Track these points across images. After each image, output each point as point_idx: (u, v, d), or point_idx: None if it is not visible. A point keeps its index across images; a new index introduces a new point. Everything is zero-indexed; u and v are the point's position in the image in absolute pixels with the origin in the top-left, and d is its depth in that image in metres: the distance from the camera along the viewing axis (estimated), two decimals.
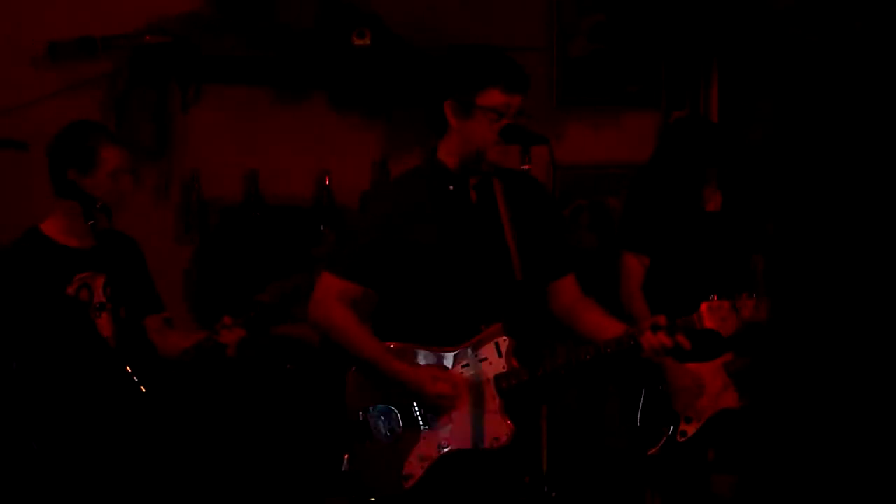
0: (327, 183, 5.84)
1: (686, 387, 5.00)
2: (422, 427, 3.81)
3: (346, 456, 3.85)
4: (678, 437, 5.03)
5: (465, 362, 3.83)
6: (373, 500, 3.80)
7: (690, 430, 5.02)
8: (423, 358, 3.83)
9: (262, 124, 5.84)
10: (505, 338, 3.83)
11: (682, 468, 5.09)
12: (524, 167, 3.63)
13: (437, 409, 3.79)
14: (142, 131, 5.73)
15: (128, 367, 4.15)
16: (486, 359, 3.83)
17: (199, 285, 5.77)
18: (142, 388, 4.14)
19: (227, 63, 5.72)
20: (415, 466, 3.79)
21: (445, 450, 3.80)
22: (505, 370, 3.80)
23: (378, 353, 3.82)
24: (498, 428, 3.78)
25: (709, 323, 3.87)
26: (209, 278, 5.73)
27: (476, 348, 3.83)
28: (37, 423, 4.04)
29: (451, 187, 3.86)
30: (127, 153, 4.35)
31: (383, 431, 3.82)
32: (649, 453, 5.07)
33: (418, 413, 3.81)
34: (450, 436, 3.80)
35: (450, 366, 3.83)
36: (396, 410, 3.83)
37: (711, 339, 3.96)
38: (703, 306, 3.87)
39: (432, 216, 3.84)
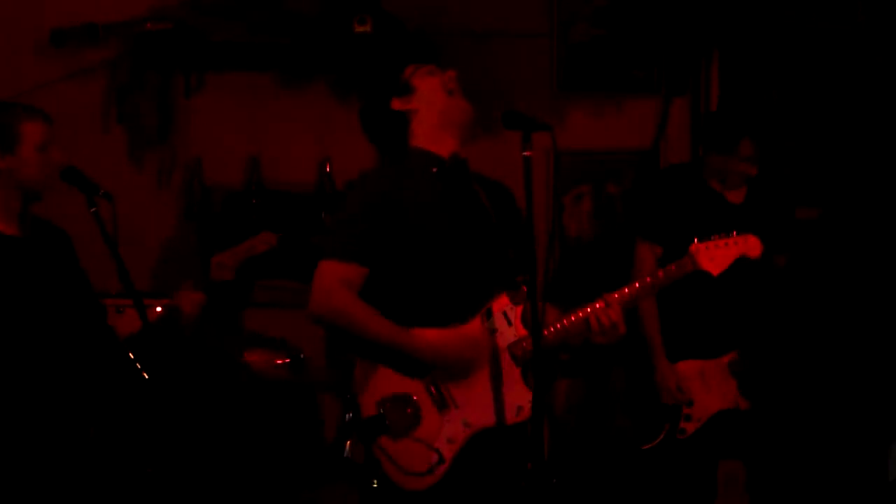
0: (328, 169, 5.85)
1: (668, 388, 5.00)
2: (442, 408, 3.78)
3: (349, 442, 3.83)
4: (678, 435, 5.03)
5: (474, 335, 3.81)
6: (375, 483, 3.79)
7: (690, 428, 5.01)
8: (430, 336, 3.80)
9: (264, 111, 5.85)
10: (512, 306, 3.84)
11: (681, 466, 5.09)
12: (525, 154, 3.64)
13: (466, 373, 3.77)
14: (144, 117, 5.74)
15: (130, 354, 4.13)
16: (496, 330, 3.83)
17: (202, 270, 5.78)
18: (144, 374, 4.13)
19: (229, 49, 5.72)
20: (445, 450, 3.75)
21: (471, 428, 3.76)
22: (517, 338, 3.82)
23: (398, 333, 3.76)
24: (520, 397, 3.77)
25: (703, 264, 3.94)
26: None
27: (485, 321, 3.83)
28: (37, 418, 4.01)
29: (434, 169, 3.90)
30: (48, 125, 4.09)
31: (403, 421, 3.75)
32: (643, 448, 5.08)
33: (437, 394, 3.78)
34: (473, 412, 3.78)
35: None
36: (414, 396, 3.78)
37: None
38: (693, 248, 3.92)
39: (421, 197, 3.86)
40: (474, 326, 3.81)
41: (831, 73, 5.97)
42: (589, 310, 3.84)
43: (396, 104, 3.95)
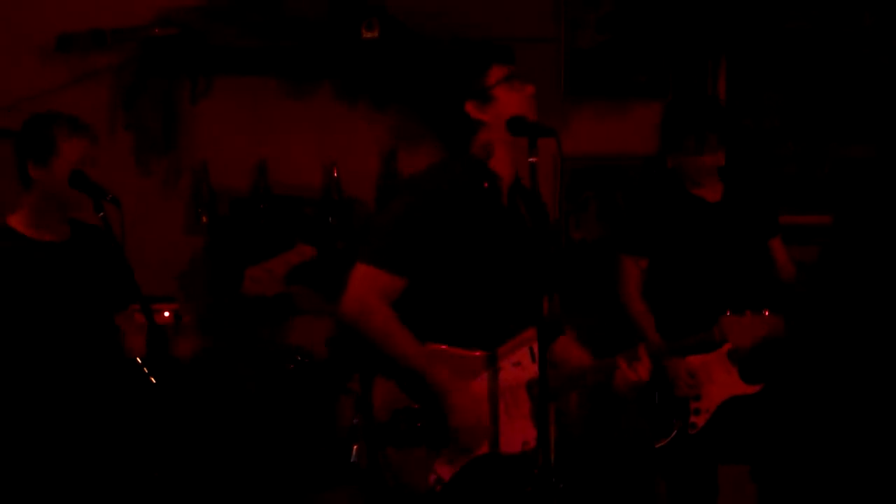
0: (335, 174, 5.85)
1: (681, 378, 5.02)
2: (451, 436, 3.73)
3: (355, 447, 3.83)
4: (689, 430, 5.05)
5: (497, 366, 3.78)
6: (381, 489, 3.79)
7: (700, 421, 5.05)
8: (457, 361, 3.75)
9: (271, 116, 5.85)
10: (544, 338, 3.76)
11: (691, 459, 5.11)
12: (531, 159, 3.64)
13: (464, 442, 3.74)
14: (151, 123, 5.75)
15: (139, 360, 4.14)
16: (519, 363, 3.80)
17: (209, 276, 5.78)
18: (152, 378, 4.14)
19: (236, 54, 5.72)
20: (445, 470, 3.74)
21: (473, 454, 3.76)
22: (538, 376, 3.71)
23: (426, 363, 3.70)
24: (528, 432, 3.76)
25: (731, 338, 3.92)
26: (219, 269, 5.75)
27: (511, 352, 3.80)
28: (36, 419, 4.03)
29: (486, 184, 3.81)
30: (88, 144, 4.20)
31: (412, 434, 3.73)
32: (657, 446, 5.10)
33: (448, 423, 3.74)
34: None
35: (480, 370, 3.78)
36: (426, 412, 3.75)
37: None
38: (723, 320, 3.90)
39: (469, 211, 3.76)
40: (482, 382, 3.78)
41: (838, 77, 5.97)
42: (617, 361, 3.80)
43: (472, 110, 3.82)
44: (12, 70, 5.50)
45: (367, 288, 3.70)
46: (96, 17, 5.58)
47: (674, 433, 5.08)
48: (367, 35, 5.66)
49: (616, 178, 6.22)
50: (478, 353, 3.78)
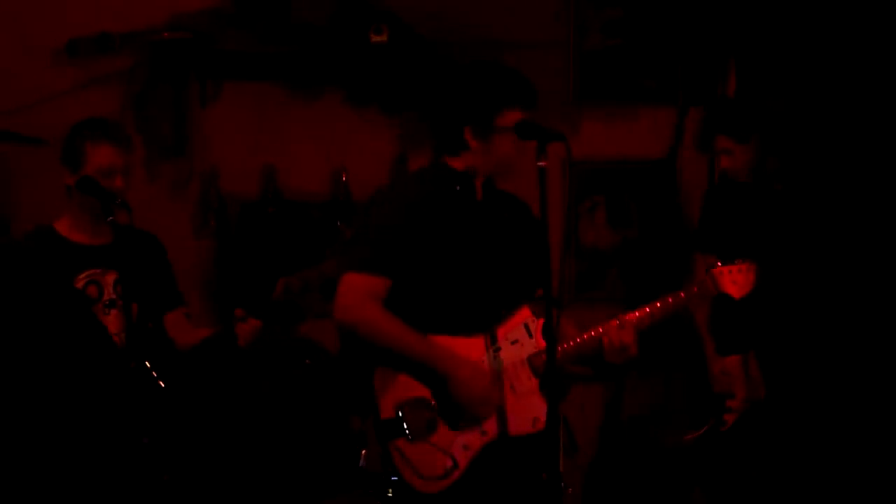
0: (344, 179, 5.85)
1: (726, 375, 5.06)
2: (460, 415, 3.79)
3: (364, 452, 3.85)
4: (720, 427, 5.08)
5: (496, 346, 3.86)
6: (390, 494, 3.80)
7: (730, 419, 5.08)
8: (457, 347, 3.83)
9: (280, 120, 5.86)
10: (533, 318, 3.89)
11: (724, 460, 5.14)
12: (540, 164, 3.65)
13: (473, 413, 3.80)
14: (160, 127, 5.76)
15: (147, 363, 4.16)
16: (517, 341, 3.89)
17: (219, 280, 5.79)
18: (160, 383, 4.15)
19: (245, 59, 5.73)
20: (460, 456, 3.78)
21: (487, 436, 3.79)
22: (537, 350, 3.84)
23: (425, 347, 3.80)
24: (537, 408, 3.80)
25: (726, 287, 3.99)
26: (228, 273, 5.75)
27: (506, 332, 3.87)
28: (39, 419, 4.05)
29: (458, 187, 3.94)
30: (120, 152, 4.27)
31: (421, 424, 3.78)
32: (685, 438, 5.12)
33: (457, 401, 3.79)
34: (489, 421, 3.81)
35: (481, 352, 3.85)
36: (432, 401, 3.81)
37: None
38: (715, 270, 3.95)
39: (444, 211, 3.90)
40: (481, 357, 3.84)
41: (848, 79, 5.95)
42: (601, 329, 3.86)
43: (468, 134, 3.93)
44: (22, 74, 5.51)
45: (354, 291, 3.82)
46: (106, 22, 5.60)
47: (705, 428, 5.10)
48: (376, 39, 5.67)
49: (626, 182, 6.22)
50: (475, 338, 3.86)
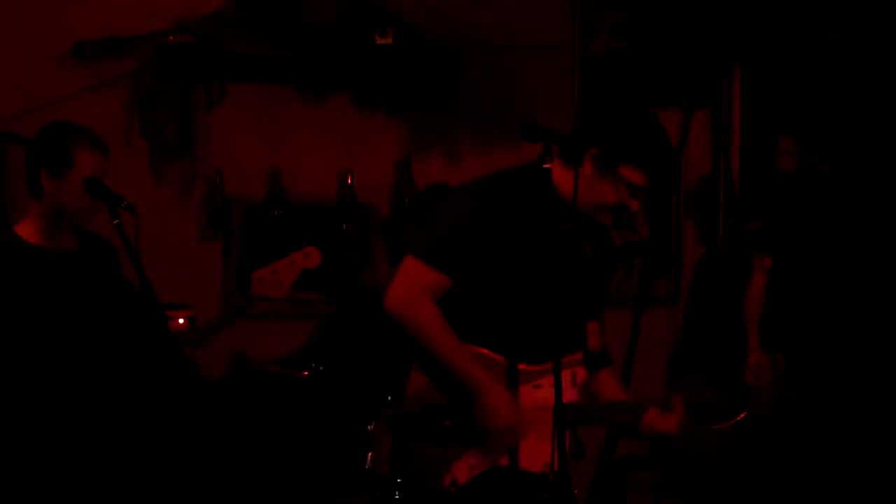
0: (350, 182, 5.85)
1: (758, 363, 5.13)
2: (480, 439, 3.72)
3: (370, 454, 3.83)
4: (748, 420, 5.09)
5: (538, 382, 3.76)
6: (396, 496, 3.79)
7: (756, 414, 5.09)
8: (499, 370, 3.74)
9: (285, 123, 5.85)
10: (582, 369, 3.82)
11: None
12: (545, 166, 3.64)
13: (493, 443, 3.72)
14: (165, 130, 5.75)
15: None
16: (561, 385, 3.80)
17: (224, 284, 5.79)
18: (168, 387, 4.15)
19: (250, 62, 5.73)
20: (463, 473, 3.72)
21: (496, 463, 3.75)
22: (574, 402, 3.76)
23: (466, 363, 3.69)
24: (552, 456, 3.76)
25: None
26: (234, 277, 5.75)
27: (551, 373, 3.69)
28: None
29: (567, 227, 3.71)
30: (105, 160, 4.17)
31: (439, 431, 3.71)
32: (714, 428, 5.11)
33: (478, 426, 3.73)
34: (505, 454, 3.76)
35: (521, 382, 3.77)
36: (457, 414, 3.73)
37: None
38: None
39: (533, 231, 3.75)
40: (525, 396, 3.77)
41: (853, 81, 5.96)
42: (646, 415, 3.80)
43: (588, 158, 3.71)
44: (28, 77, 5.51)
45: (416, 283, 3.69)
46: (111, 25, 5.59)
47: (736, 419, 5.10)
48: (381, 41, 5.67)
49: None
50: (522, 366, 3.77)
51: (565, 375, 3.73)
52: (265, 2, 5.69)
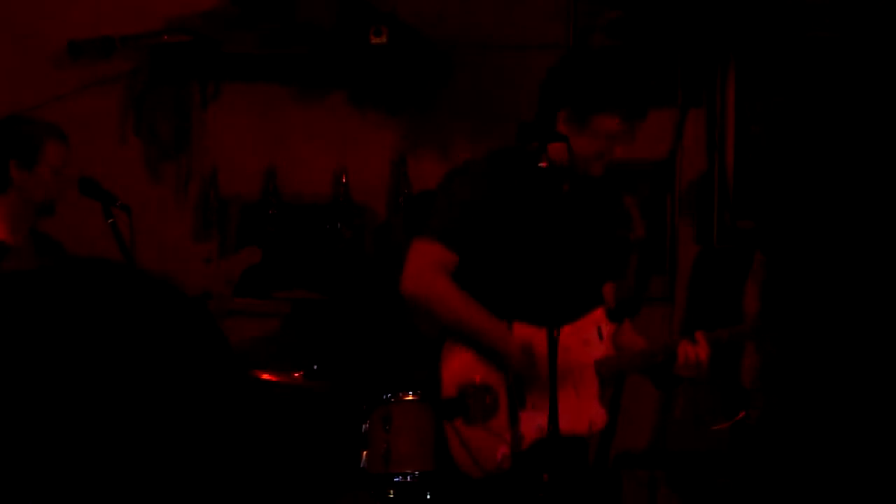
0: (345, 180, 5.85)
1: (754, 364, 5.12)
2: (520, 406, 3.76)
3: (365, 453, 3.84)
4: (747, 420, 5.09)
5: (565, 345, 3.75)
6: (391, 495, 3.79)
7: (754, 416, 5.09)
8: (528, 335, 3.78)
9: (280, 121, 5.86)
10: (608, 321, 3.87)
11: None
12: (541, 165, 3.64)
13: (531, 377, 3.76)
14: (161, 129, 5.76)
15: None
16: (587, 342, 3.84)
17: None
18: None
19: (246, 61, 5.74)
20: (514, 445, 3.74)
21: (542, 432, 3.71)
22: (605, 354, 3.83)
23: (495, 329, 3.75)
24: (596, 412, 3.80)
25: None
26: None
27: (578, 331, 3.82)
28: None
29: (545, 164, 3.71)
30: (67, 147, 4.21)
31: (481, 409, 3.73)
32: (713, 428, 5.12)
33: (517, 392, 3.76)
34: (546, 417, 3.77)
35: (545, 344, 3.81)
36: (495, 387, 3.76)
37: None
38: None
39: (526, 197, 3.81)
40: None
41: (848, 80, 5.96)
42: (677, 340, 3.83)
43: (561, 121, 3.82)
44: (23, 77, 5.52)
45: (425, 261, 3.74)
46: (106, 25, 5.60)
47: (735, 420, 5.11)
48: (376, 41, 5.66)
49: (626, 183, 6.22)
50: (543, 329, 3.76)
51: (591, 331, 3.82)
52: (261, 1, 5.69)
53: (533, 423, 3.76)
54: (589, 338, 3.84)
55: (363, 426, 3.90)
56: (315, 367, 5.07)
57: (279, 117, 5.86)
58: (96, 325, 3.88)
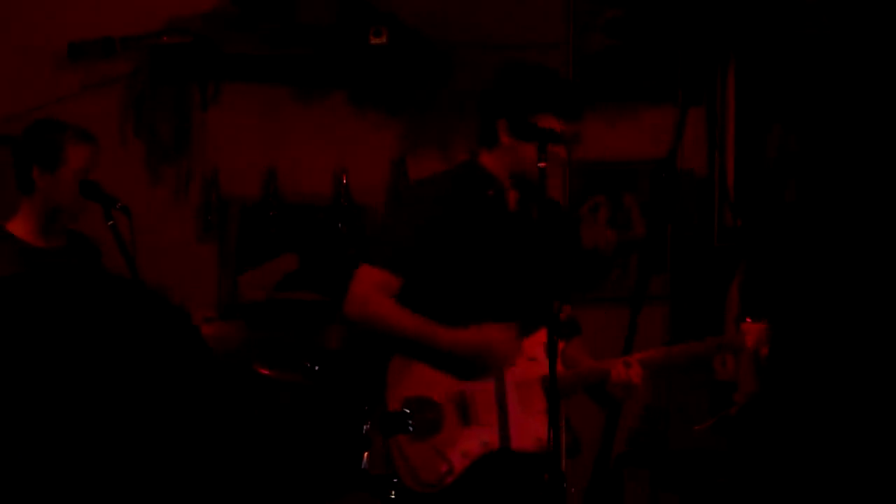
0: (345, 181, 5.86)
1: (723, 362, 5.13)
2: (465, 422, 3.79)
3: (366, 454, 3.84)
4: (729, 413, 5.11)
5: (531, 356, 3.86)
6: (392, 496, 3.80)
7: (733, 411, 5.10)
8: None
9: (280, 122, 5.86)
10: (554, 339, 3.86)
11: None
12: (540, 165, 3.65)
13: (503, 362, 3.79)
14: (161, 130, 5.76)
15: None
16: (535, 359, 3.85)
17: (219, 282, 5.79)
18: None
19: (245, 62, 5.74)
20: (457, 461, 3.76)
21: (487, 447, 3.78)
22: (560, 374, 3.77)
23: (435, 330, 3.78)
24: (542, 430, 3.74)
25: (750, 344, 3.99)
26: (230, 277, 5.76)
27: (525, 348, 3.85)
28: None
29: (491, 192, 3.89)
30: (93, 152, 4.23)
31: (424, 424, 3.76)
32: (695, 429, 5.13)
33: (463, 408, 3.79)
34: (493, 434, 3.80)
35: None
36: (440, 403, 3.79)
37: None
38: (745, 327, 3.96)
39: (471, 218, 3.86)
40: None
41: (849, 77, 5.96)
42: (611, 363, 3.87)
43: (502, 131, 3.87)
44: (23, 78, 5.52)
45: (366, 284, 3.82)
46: (106, 26, 5.60)
47: (715, 419, 5.12)
48: (375, 41, 5.67)
49: (627, 182, 6.22)
50: None
51: (539, 349, 3.83)
52: (261, 2, 5.69)
53: (478, 439, 3.78)
54: (536, 355, 3.85)
55: (364, 427, 3.90)
56: (316, 367, 5.08)
57: (279, 118, 5.86)
58: (62, 332, 3.90)
